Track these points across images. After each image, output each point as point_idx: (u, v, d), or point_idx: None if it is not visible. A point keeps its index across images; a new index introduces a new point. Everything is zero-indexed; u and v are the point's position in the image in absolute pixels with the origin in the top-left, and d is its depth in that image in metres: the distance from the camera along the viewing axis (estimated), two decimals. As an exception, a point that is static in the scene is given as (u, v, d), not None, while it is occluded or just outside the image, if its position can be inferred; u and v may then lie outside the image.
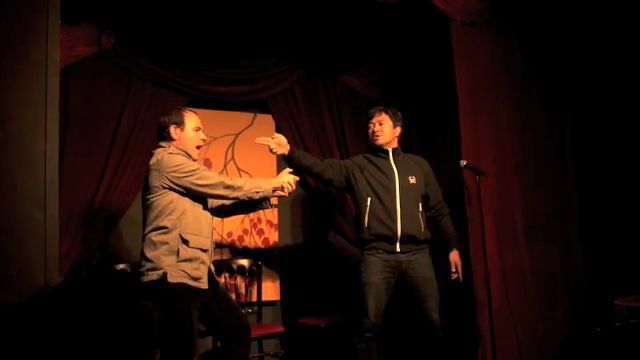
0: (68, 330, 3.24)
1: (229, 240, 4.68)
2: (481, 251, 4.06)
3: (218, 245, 4.55)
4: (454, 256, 3.93)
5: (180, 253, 3.09)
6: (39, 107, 2.85)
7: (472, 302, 4.14)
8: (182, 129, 3.30)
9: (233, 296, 4.48)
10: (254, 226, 4.79)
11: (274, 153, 3.80)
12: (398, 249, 3.77)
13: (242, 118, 4.86)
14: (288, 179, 3.42)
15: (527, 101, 4.54)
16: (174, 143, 3.27)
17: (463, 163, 4.08)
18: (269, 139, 3.76)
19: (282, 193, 3.42)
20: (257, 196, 3.29)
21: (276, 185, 3.37)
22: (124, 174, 4.16)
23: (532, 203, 4.44)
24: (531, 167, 4.48)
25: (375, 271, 3.75)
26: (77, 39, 4.04)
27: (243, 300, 4.58)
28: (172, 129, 3.28)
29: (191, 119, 3.34)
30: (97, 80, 4.20)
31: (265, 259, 4.71)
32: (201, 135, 3.37)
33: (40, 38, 2.89)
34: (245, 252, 4.73)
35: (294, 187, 3.46)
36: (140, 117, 4.28)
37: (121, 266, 4.13)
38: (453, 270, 3.91)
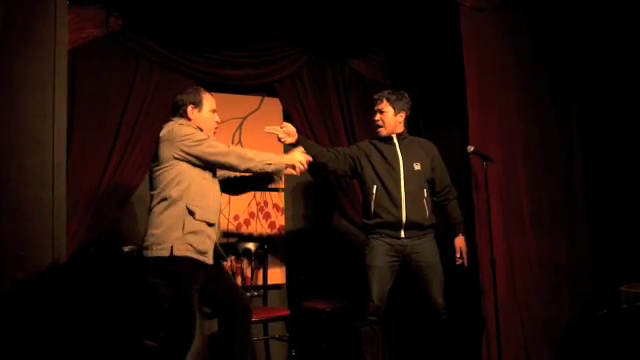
0: (75, 307, 3.27)
1: (235, 223, 4.70)
2: (487, 237, 4.06)
3: (224, 228, 4.57)
4: (459, 241, 3.93)
5: (185, 226, 3.08)
6: (47, 89, 2.86)
7: (477, 287, 4.15)
8: (199, 110, 3.31)
9: (239, 279, 4.52)
10: (260, 210, 4.80)
11: (282, 142, 3.80)
12: (402, 235, 3.78)
13: (249, 101, 4.86)
14: (300, 158, 3.42)
15: (535, 87, 4.51)
16: (189, 122, 3.28)
17: (470, 149, 4.05)
18: (278, 128, 3.76)
19: (293, 172, 3.41)
20: (269, 168, 3.27)
21: (288, 162, 3.37)
22: (131, 156, 4.17)
23: (539, 189, 4.42)
24: (538, 153, 4.46)
25: (379, 254, 3.76)
26: (85, 21, 4.04)
27: (249, 283, 4.60)
28: (189, 108, 3.29)
29: (208, 100, 3.35)
30: (105, 62, 4.20)
31: (271, 243, 4.73)
32: (216, 117, 3.39)
33: (48, 20, 2.90)
34: (251, 236, 4.74)
35: (306, 166, 3.45)
36: (147, 100, 4.28)
37: (127, 248, 4.17)
38: (458, 255, 3.92)
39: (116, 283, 4.08)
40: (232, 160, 3.19)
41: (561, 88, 4.59)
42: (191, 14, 4.35)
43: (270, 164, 3.26)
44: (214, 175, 3.31)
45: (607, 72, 4.41)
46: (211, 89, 4.35)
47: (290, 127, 3.78)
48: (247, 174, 3.43)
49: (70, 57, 3.46)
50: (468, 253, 3.95)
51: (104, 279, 4.11)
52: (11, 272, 2.64)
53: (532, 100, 4.49)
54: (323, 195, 4.98)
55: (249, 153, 3.25)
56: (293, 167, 3.39)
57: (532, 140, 4.45)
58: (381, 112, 3.92)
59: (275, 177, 3.49)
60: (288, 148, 3.93)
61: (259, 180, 3.51)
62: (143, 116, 4.25)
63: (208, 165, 3.21)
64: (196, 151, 3.14)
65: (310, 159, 3.52)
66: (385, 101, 3.91)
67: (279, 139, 3.76)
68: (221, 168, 3.31)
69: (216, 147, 3.18)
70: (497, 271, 4.00)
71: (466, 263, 3.93)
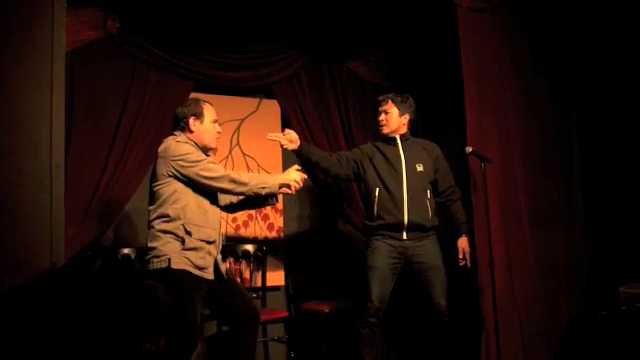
0: (73, 311, 3.26)
1: (234, 225, 4.70)
2: (486, 237, 4.05)
3: (222, 231, 4.53)
4: (462, 242, 3.92)
5: (185, 242, 3.08)
6: (45, 91, 2.84)
7: (476, 287, 4.15)
8: (201, 121, 3.27)
9: (237, 281, 4.51)
10: (259, 211, 4.80)
11: (285, 149, 3.80)
12: (405, 237, 3.77)
13: (247, 103, 4.86)
14: (295, 176, 3.35)
15: (533, 87, 4.52)
16: (190, 135, 3.24)
17: (469, 150, 4.05)
18: (280, 135, 3.77)
19: (288, 190, 3.34)
20: (263, 192, 3.23)
21: (283, 182, 3.30)
22: (129, 159, 4.16)
23: (537, 189, 4.43)
24: (536, 153, 4.47)
25: (381, 256, 3.76)
26: (82, 23, 4.04)
27: (248, 285, 4.60)
28: (191, 120, 3.24)
29: (209, 111, 3.31)
30: (102, 65, 4.19)
31: (270, 244, 4.72)
32: (217, 127, 3.35)
33: (46, 22, 2.88)
34: (250, 238, 4.74)
35: (301, 184, 3.41)
36: (145, 102, 4.28)
37: (125, 251, 4.17)
38: (461, 257, 3.91)
39: (114, 286, 4.08)
40: (225, 185, 3.16)
41: (559, 89, 4.60)
42: (189, 16, 4.35)
43: (264, 187, 3.21)
44: (212, 193, 3.27)
45: (605, 73, 4.42)
46: (209, 91, 4.41)
47: (293, 134, 3.77)
48: (241, 197, 3.42)
49: (67, 60, 3.46)
50: (471, 254, 3.95)
51: (102, 282, 4.10)
52: (9, 275, 2.63)
53: (530, 101, 4.49)
54: (322, 197, 4.97)
55: (243, 177, 3.20)
56: (288, 186, 3.32)
57: (530, 141, 4.45)
58: (386, 113, 3.92)
59: (269, 199, 3.45)
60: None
61: (253, 201, 3.47)
62: (141, 118, 4.24)
63: (200, 187, 3.17)
64: (189, 172, 3.11)
65: (305, 176, 3.48)
66: (390, 102, 3.92)
67: (281, 146, 3.76)
68: (214, 191, 3.27)
69: (210, 170, 3.14)
70: (495, 271, 4.00)
71: (469, 264, 3.93)
